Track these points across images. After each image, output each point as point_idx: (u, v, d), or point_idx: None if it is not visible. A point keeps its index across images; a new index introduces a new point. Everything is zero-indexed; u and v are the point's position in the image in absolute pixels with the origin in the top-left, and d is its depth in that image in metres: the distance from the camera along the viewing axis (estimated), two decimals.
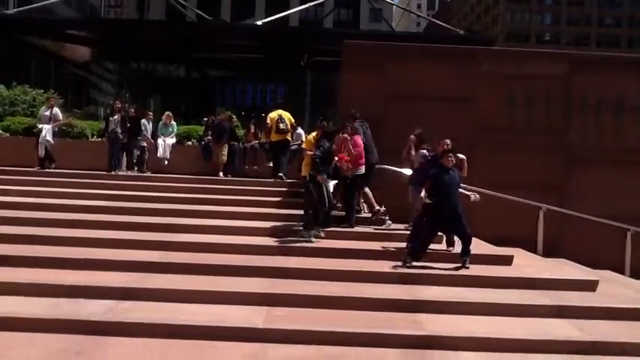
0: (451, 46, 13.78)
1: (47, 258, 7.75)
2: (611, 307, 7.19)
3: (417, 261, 8.13)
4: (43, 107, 14.01)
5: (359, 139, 9.79)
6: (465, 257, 8.19)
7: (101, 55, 25.86)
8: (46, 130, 13.08)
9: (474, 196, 8.72)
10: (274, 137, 12.81)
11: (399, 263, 8.12)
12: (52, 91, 17.22)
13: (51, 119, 13.36)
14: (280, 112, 12.90)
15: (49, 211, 9.94)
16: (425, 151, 9.46)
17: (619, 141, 11.65)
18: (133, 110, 14.38)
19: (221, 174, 13.16)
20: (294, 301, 6.88)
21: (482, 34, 64.02)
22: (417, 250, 8.23)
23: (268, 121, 12.88)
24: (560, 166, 11.57)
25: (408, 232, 8.90)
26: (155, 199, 10.91)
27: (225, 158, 13.43)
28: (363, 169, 9.78)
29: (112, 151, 13.35)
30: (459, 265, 8.17)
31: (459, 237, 8.44)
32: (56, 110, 13.71)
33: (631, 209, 11.14)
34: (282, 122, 12.63)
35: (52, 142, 13.14)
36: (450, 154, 8.47)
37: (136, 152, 15.78)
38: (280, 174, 12.60)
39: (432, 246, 8.63)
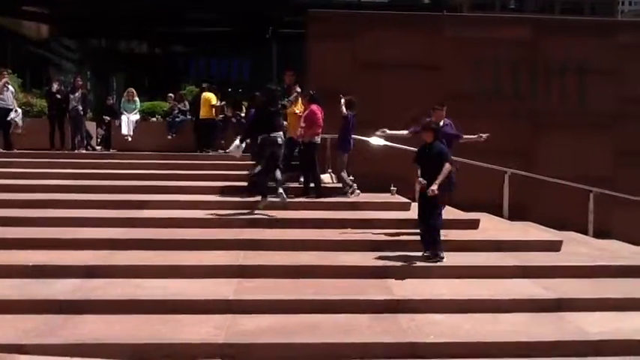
0: (417, 14, 13.69)
1: (12, 239, 7.59)
2: (574, 265, 7.37)
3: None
4: None
5: (314, 108, 9.88)
6: (438, 250, 7.23)
7: (60, 32, 25.00)
8: None
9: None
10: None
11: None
12: (9, 70, 16.67)
13: None
14: None
15: (12, 192, 9.71)
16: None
17: (582, 104, 11.83)
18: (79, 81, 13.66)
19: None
20: (265, 271, 6.89)
21: (448, 1, 63.81)
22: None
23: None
24: (526, 131, 11.70)
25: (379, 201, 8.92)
26: (120, 177, 10.76)
27: None
28: (318, 139, 9.92)
29: (74, 129, 13.06)
30: (429, 255, 7.24)
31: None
32: None
33: (595, 171, 11.38)
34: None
35: None
36: (434, 124, 7.58)
37: (101, 131, 15.53)
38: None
39: (404, 215, 8.85)
